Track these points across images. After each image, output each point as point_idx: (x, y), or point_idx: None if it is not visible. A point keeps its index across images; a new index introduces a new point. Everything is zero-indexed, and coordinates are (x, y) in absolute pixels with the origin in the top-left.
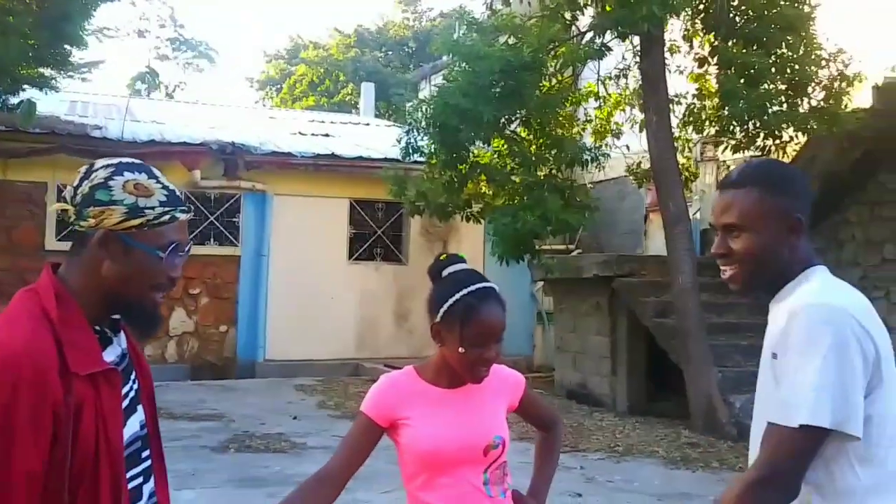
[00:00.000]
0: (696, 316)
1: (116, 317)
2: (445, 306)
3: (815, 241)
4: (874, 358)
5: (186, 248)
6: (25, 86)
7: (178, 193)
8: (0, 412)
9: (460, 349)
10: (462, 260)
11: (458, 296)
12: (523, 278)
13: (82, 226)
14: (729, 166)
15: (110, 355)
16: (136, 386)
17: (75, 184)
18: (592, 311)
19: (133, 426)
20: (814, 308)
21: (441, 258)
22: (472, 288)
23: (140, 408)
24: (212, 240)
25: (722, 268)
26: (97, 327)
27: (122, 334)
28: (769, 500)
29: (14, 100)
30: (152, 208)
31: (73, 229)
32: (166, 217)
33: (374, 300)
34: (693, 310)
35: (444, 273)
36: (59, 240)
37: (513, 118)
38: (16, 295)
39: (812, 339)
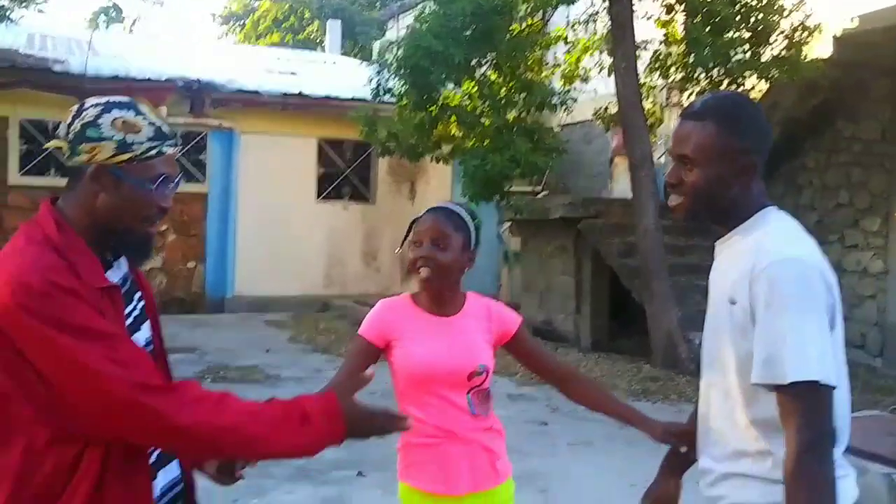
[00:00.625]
0: (659, 257)
1: None
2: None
3: (775, 185)
4: (832, 306)
5: (176, 180)
6: None
7: (165, 129)
8: (69, 313)
9: (397, 250)
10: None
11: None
12: (489, 219)
13: (76, 161)
14: None
15: (113, 277)
16: (140, 305)
17: (68, 121)
18: (558, 251)
19: (138, 342)
20: (789, 263)
21: None
22: (428, 208)
23: (145, 326)
24: None
25: (671, 195)
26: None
27: (123, 259)
28: (825, 458)
29: None
30: (140, 143)
31: (70, 165)
32: (153, 151)
33: (342, 238)
34: (656, 251)
35: None
36: (23, 174)
37: (483, 61)
38: (19, 228)
39: (795, 296)
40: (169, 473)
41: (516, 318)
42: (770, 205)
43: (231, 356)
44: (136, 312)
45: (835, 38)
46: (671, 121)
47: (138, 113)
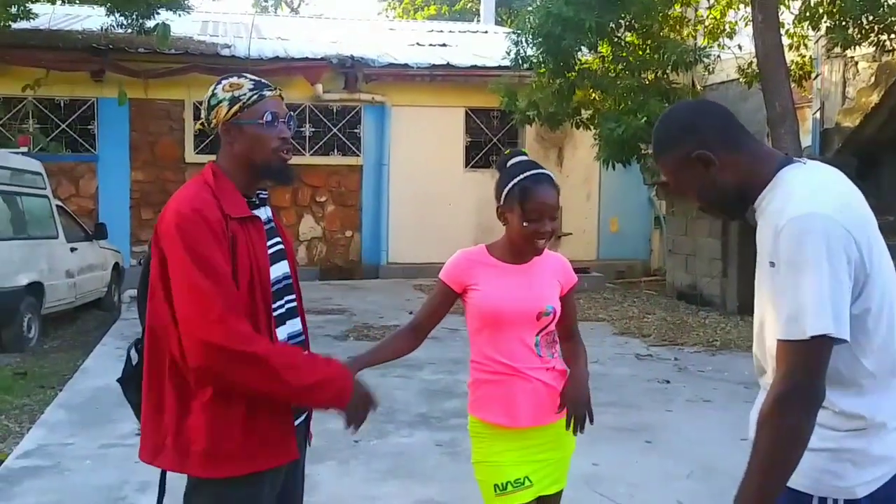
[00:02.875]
0: None
1: (263, 195)
2: (506, 190)
3: None
4: (857, 257)
5: (286, 117)
6: (160, 10)
7: (264, 82)
8: (201, 241)
9: (524, 223)
10: (523, 154)
11: (516, 180)
12: (639, 183)
13: (212, 128)
14: (857, 63)
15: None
16: (278, 247)
17: (203, 108)
18: (703, 213)
19: (277, 271)
20: (796, 221)
21: (506, 153)
22: (529, 173)
23: (282, 264)
24: (335, 150)
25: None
26: (247, 197)
27: (268, 208)
28: (795, 410)
29: (150, 23)
30: (244, 94)
31: (213, 135)
32: (255, 96)
33: (490, 206)
34: None
35: (507, 164)
36: (198, 153)
37: (618, 23)
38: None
39: (801, 252)
40: (292, 326)
41: (574, 277)
42: (786, 162)
43: (375, 317)
44: (274, 249)
45: None
46: (833, 73)
47: (241, 76)
